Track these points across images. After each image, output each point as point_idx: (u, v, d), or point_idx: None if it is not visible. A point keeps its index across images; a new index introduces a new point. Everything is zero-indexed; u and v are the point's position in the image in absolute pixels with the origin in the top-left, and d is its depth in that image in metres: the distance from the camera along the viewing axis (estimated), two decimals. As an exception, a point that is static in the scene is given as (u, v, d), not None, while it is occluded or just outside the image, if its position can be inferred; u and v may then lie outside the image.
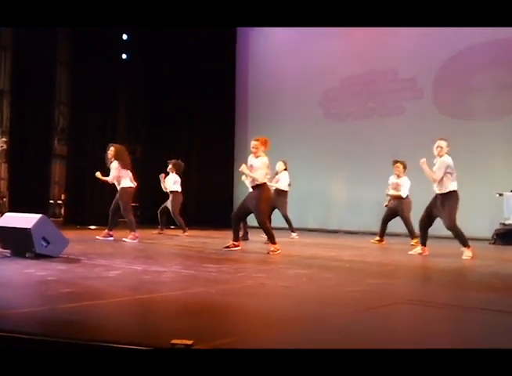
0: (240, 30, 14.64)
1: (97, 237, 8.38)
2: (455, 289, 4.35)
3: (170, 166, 10.62)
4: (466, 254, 6.60)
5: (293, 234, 9.98)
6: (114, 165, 8.37)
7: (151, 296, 3.52)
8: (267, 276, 4.67)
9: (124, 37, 14.51)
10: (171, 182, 10.47)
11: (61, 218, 13.49)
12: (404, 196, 8.92)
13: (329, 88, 13.33)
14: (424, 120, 11.63)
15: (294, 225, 10.18)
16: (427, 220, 6.85)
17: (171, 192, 10.47)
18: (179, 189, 10.50)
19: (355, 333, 2.70)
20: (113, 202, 8.50)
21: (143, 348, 2.15)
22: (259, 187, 6.87)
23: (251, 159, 7.00)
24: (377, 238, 9.22)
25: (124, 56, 14.40)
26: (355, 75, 12.94)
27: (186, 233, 10.14)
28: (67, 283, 3.93)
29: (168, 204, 10.49)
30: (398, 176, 9.00)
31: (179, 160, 10.77)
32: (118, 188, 8.46)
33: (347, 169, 12.79)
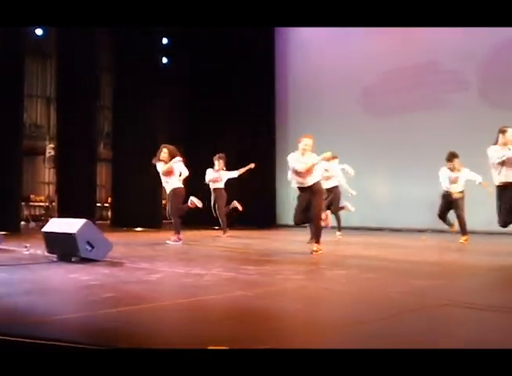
0: (279, 30, 14.60)
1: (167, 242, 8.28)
2: (504, 290, 4.20)
3: (221, 161, 10.29)
4: None
5: (338, 233, 9.83)
6: (176, 165, 8.34)
7: (190, 301, 3.54)
8: (307, 278, 4.65)
9: (165, 41, 14.70)
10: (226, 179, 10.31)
11: (108, 221, 13.79)
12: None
13: (370, 83, 13.16)
14: (469, 112, 11.33)
15: (333, 222, 10.00)
16: None
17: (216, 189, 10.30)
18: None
19: (395, 336, 2.65)
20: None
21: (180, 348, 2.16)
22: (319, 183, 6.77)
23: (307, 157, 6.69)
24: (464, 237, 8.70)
25: (164, 60, 14.59)
26: (395, 69, 12.73)
27: (227, 235, 10.06)
28: (109, 287, 3.99)
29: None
30: (457, 170, 8.60)
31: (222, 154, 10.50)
32: (168, 188, 8.41)
33: (390, 165, 12.58)
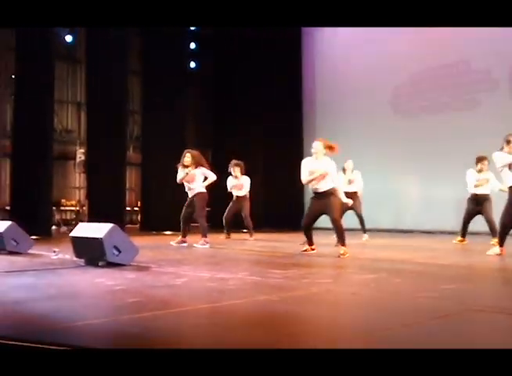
0: (305, 30, 14.53)
1: (171, 243, 8.53)
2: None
3: (237, 168, 10.20)
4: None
5: (365, 236, 9.70)
6: (198, 172, 8.40)
7: (214, 305, 3.52)
8: (333, 282, 4.58)
9: (192, 46, 14.79)
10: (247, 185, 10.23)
11: (137, 225, 13.90)
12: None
13: (399, 84, 13.00)
14: (501, 112, 11.08)
15: (367, 225, 9.87)
16: None
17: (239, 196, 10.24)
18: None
19: (422, 343, 2.57)
20: (185, 208, 8.55)
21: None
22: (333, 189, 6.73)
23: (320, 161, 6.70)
24: (460, 238, 8.79)
25: (192, 64, 14.67)
26: (424, 69, 12.55)
27: (253, 238, 9.99)
28: (134, 292, 3.99)
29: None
30: (482, 171, 8.46)
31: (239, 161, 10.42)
32: (191, 193, 8.47)
33: (421, 167, 12.39)
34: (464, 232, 8.71)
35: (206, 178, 8.50)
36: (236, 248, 8.32)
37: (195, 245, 8.23)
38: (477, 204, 8.48)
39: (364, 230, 9.75)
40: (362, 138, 13.17)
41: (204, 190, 8.46)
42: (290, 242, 8.79)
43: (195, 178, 8.37)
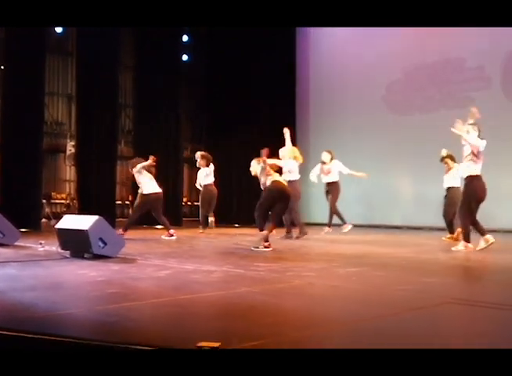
0: (299, 29, 14.51)
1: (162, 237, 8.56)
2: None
3: (200, 160, 10.23)
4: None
5: (326, 229, 9.84)
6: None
7: (193, 297, 3.53)
8: (316, 275, 4.59)
9: (185, 38, 14.74)
10: (203, 176, 10.28)
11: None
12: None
13: (393, 81, 13.01)
14: (494, 110, 11.10)
15: (359, 221, 9.93)
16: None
17: (204, 185, 10.26)
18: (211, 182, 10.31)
19: (390, 335, 2.59)
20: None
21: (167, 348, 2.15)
22: None
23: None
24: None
25: (184, 58, 14.62)
26: (419, 67, 12.56)
27: (201, 231, 9.96)
28: (116, 283, 4.01)
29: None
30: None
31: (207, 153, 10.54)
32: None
33: (413, 163, 12.41)
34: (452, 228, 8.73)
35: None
36: (226, 242, 8.29)
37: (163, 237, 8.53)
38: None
39: (329, 224, 9.86)
40: (357, 134, 13.18)
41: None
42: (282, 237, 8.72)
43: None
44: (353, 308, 3.26)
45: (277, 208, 6.96)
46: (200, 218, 10.33)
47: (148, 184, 8.50)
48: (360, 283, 4.15)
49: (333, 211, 9.93)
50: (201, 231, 9.97)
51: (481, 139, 6.59)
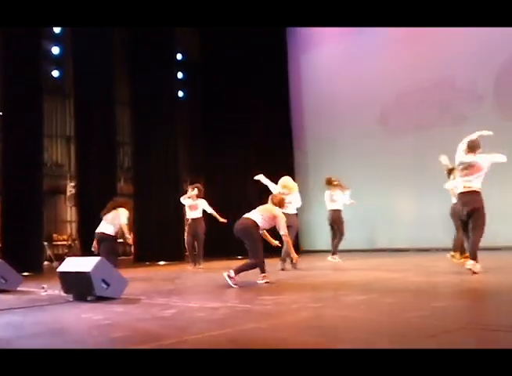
0: (291, 52, 14.65)
1: None
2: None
3: (195, 191, 10.12)
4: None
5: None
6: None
7: (198, 337, 3.45)
8: (324, 306, 4.50)
9: (180, 76, 14.88)
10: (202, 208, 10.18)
11: (131, 256, 13.79)
12: None
13: (387, 101, 13.07)
14: (487, 127, 11.10)
15: (362, 246, 9.85)
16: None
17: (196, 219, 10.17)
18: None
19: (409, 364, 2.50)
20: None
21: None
22: None
23: None
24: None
25: (180, 94, 14.74)
26: (411, 87, 12.63)
27: (201, 266, 9.82)
28: (121, 326, 3.93)
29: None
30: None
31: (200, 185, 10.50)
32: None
33: (412, 185, 12.39)
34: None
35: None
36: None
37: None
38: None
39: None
40: (353, 156, 13.22)
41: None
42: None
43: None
44: (365, 338, 3.18)
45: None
46: (202, 252, 10.17)
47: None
48: (370, 312, 4.07)
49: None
50: (201, 267, 9.86)
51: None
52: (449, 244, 8.90)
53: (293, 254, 6.96)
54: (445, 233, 10.59)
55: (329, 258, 9.67)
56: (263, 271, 6.40)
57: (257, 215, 6.46)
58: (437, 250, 11.02)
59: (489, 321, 3.47)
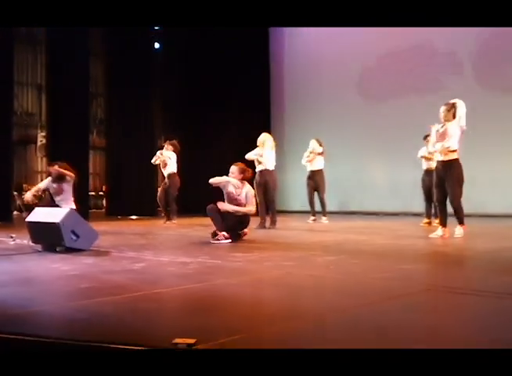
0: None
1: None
2: (489, 273, 4.10)
3: (169, 147, 10.05)
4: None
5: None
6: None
7: (168, 290, 3.46)
8: (294, 265, 4.54)
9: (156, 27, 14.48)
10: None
11: (103, 210, 13.70)
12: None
13: (366, 67, 13.00)
14: (465, 95, 11.14)
15: (334, 208, 9.96)
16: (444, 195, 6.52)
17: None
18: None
19: (369, 324, 2.56)
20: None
21: (142, 348, 2.08)
22: None
23: None
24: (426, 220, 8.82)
25: (156, 46, 14.39)
26: (391, 53, 12.57)
27: (174, 221, 9.72)
28: (89, 278, 3.91)
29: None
30: None
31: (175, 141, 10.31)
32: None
33: (388, 149, 12.47)
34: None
35: None
36: (201, 231, 8.20)
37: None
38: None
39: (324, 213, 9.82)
40: (332, 121, 13.21)
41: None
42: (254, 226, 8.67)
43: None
44: (331, 298, 3.23)
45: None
46: (175, 208, 10.10)
47: None
48: (338, 272, 4.12)
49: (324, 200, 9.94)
50: (175, 222, 9.81)
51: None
52: (422, 208, 9.06)
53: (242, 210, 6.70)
54: (417, 198, 10.77)
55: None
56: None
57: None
58: (406, 214, 11.22)
59: (456, 285, 3.54)
